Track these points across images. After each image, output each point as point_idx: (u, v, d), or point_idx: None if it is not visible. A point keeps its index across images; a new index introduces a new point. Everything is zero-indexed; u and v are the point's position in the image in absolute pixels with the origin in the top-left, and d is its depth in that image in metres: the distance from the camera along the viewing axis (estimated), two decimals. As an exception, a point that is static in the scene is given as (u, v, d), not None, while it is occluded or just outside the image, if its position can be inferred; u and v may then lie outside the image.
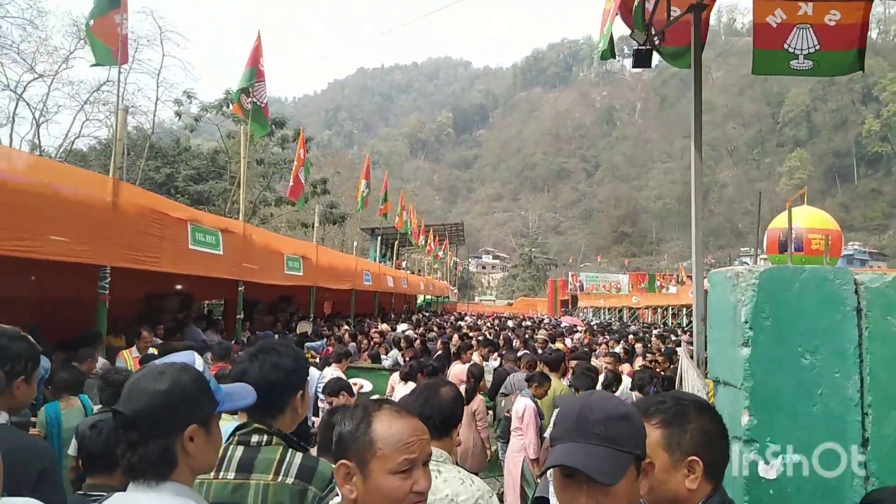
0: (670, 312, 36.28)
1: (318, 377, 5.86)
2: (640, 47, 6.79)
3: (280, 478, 1.73)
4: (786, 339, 1.93)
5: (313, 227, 13.98)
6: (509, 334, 10.90)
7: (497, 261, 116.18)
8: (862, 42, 6.27)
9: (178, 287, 10.00)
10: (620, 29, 6.38)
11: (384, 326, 12.59)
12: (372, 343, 9.65)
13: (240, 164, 10.39)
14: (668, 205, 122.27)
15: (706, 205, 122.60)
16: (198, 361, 1.45)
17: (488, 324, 19.55)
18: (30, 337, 2.22)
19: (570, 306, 56.61)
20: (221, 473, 1.75)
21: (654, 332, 16.57)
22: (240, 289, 8.37)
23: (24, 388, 2.10)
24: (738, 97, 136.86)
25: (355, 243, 17.66)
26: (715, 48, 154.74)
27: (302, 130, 12.14)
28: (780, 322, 1.93)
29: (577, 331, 14.93)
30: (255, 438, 1.81)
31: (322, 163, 46.62)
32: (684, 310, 34.22)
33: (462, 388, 7.05)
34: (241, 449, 1.80)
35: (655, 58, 6.37)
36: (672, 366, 8.39)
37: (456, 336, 9.97)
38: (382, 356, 9.14)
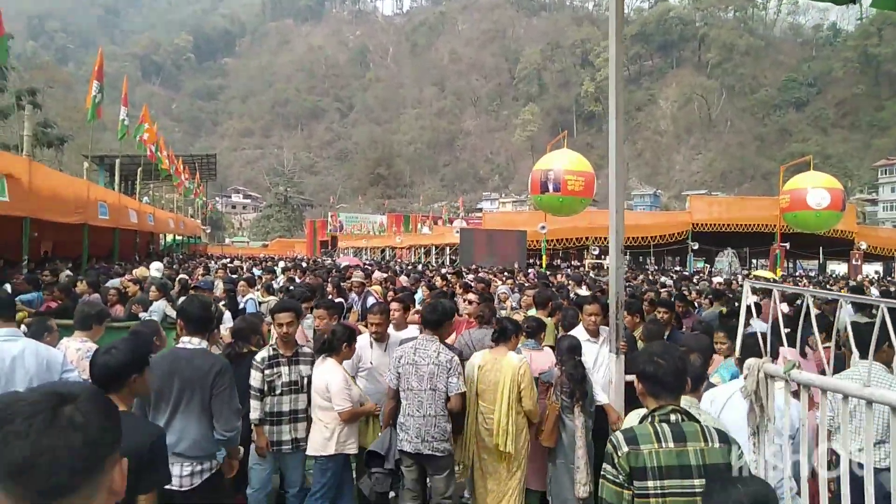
0: (433, 252, 37.37)
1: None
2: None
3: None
4: None
5: (19, 149, 10.29)
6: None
7: (248, 200, 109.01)
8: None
9: None
10: None
11: (140, 270, 9.71)
12: (125, 293, 7.14)
13: None
14: (419, 150, 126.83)
15: (452, 151, 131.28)
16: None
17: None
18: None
19: (329, 247, 55.56)
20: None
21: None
22: None
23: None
24: (481, 51, 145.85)
25: (86, 165, 13.54)
26: (461, 1, 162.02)
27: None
28: None
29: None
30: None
31: (28, 78, 37.52)
32: (447, 249, 35.51)
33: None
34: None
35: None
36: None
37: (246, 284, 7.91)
38: (141, 313, 6.80)
